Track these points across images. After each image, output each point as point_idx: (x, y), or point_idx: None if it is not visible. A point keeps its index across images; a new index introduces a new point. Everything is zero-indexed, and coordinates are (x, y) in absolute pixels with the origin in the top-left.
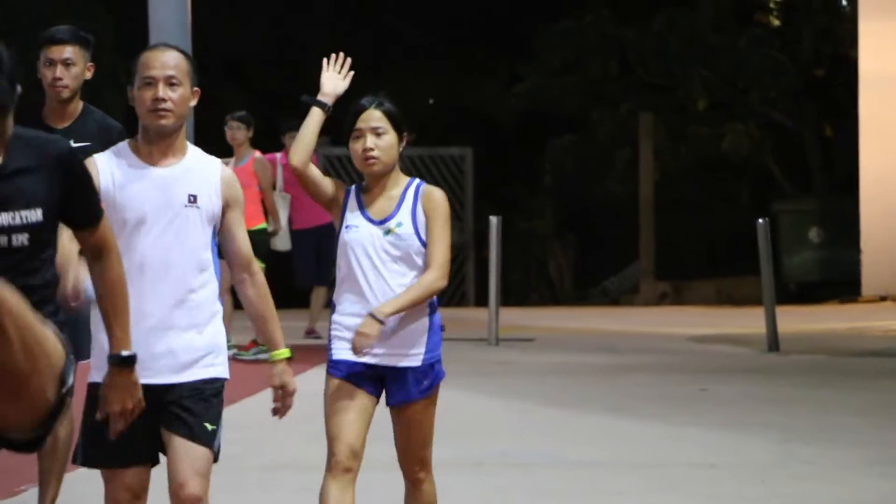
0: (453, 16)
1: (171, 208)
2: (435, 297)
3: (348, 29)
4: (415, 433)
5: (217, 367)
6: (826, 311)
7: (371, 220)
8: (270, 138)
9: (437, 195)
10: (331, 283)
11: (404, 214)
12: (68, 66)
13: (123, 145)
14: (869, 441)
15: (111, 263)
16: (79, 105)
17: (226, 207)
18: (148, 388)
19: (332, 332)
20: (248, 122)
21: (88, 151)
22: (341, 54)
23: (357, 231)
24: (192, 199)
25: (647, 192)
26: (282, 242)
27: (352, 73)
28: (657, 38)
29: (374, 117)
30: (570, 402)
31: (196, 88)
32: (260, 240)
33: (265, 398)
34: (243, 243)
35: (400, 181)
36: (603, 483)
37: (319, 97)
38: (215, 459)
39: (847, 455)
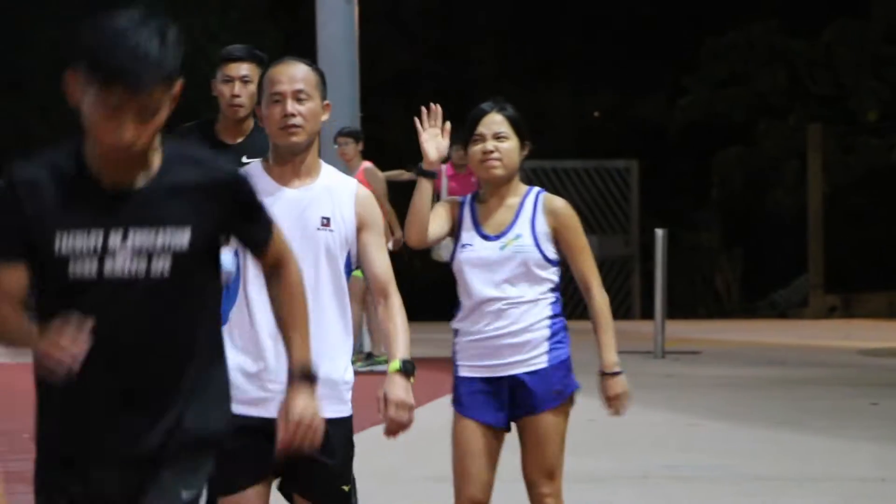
0: (618, 30)
1: (305, 232)
2: (557, 302)
3: (514, 44)
4: (543, 448)
5: (348, 404)
6: None
7: (486, 237)
8: None
9: (562, 206)
10: None
11: (523, 225)
12: (245, 83)
13: (256, 166)
14: None
15: (290, 271)
16: (251, 122)
17: (360, 229)
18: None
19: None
20: (357, 137)
21: None
22: (435, 107)
23: (472, 250)
24: (326, 222)
25: (816, 204)
26: (448, 252)
27: (448, 124)
28: (826, 48)
29: (495, 121)
30: (736, 415)
31: (327, 102)
32: None
33: (429, 409)
34: (381, 267)
35: (519, 190)
36: (771, 497)
37: (425, 167)
38: None
39: None
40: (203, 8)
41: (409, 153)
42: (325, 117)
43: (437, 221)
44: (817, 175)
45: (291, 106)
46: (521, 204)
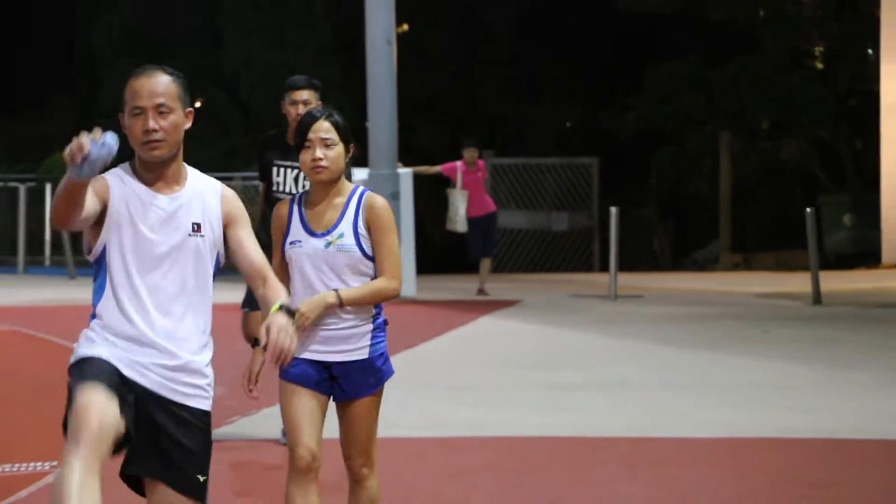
0: (586, 60)
1: (179, 238)
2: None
3: (510, 71)
4: (361, 428)
5: (209, 399)
6: (856, 275)
7: (313, 234)
8: (452, 151)
9: (379, 203)
10: (494, 255)
11: (346, 226)
12: (306, 104)
13: (126, 168)
14: (891, 367)
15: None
16: None
17: (228, 225)
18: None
19: None
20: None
21: None
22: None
23: (300, 247)
24: (197, 228)
25: (725, 190)
26: (461, 226)
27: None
28: (733, 76)
29: (323, 128)
30: (672, 341)
31: (190, 109)
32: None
33: (447, 338)
34: (256, 255)
35: (344, 190)
36: (695, 399)
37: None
38: None
39: (871, 377)
40: (284, 49)
41: (433, 155)
42: (187, 125)
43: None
44: (726, 168)
45: (153, 121)
46: (346, 204)
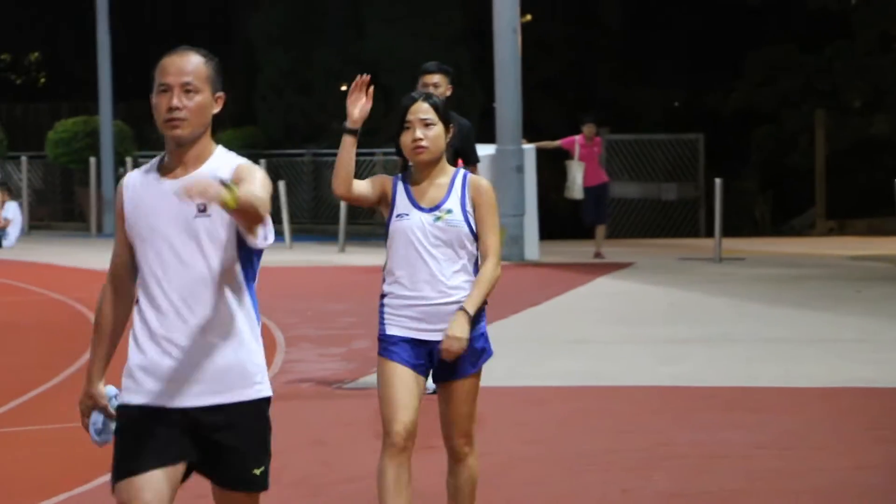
0: (692, 45)
1: (184, 222)
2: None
3: (622, 57)
4: (461, 408)
5: (259, 385)
6: None
7: (421, 209)
8: (571, 129)
9: (485, 186)
10: (608, 222)
11: (454, 202)
12: (436, 87)
13: (157, 159)
14: None
15: None
16: None
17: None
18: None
19: (385, 314)
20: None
21: (451, 142)
22: (362, 78)
23: (408, 219)
24: (202, 208)
25: (820, 162)
26: (577, 193)
27: (371, 89)
28: (828, 60)
29: (422, 109)
30: (770, 299)
31: (220, 94)
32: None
33: (567, 297)
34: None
35: (447, 170)
36: (790, 352)
37: (349, 125)
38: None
39: None
40: (420, 37)
41: (554, 132)
42: (216, 109)
43: (368, 188)
44: (821, 143)
45: (177, 99)
46: (451, 183)
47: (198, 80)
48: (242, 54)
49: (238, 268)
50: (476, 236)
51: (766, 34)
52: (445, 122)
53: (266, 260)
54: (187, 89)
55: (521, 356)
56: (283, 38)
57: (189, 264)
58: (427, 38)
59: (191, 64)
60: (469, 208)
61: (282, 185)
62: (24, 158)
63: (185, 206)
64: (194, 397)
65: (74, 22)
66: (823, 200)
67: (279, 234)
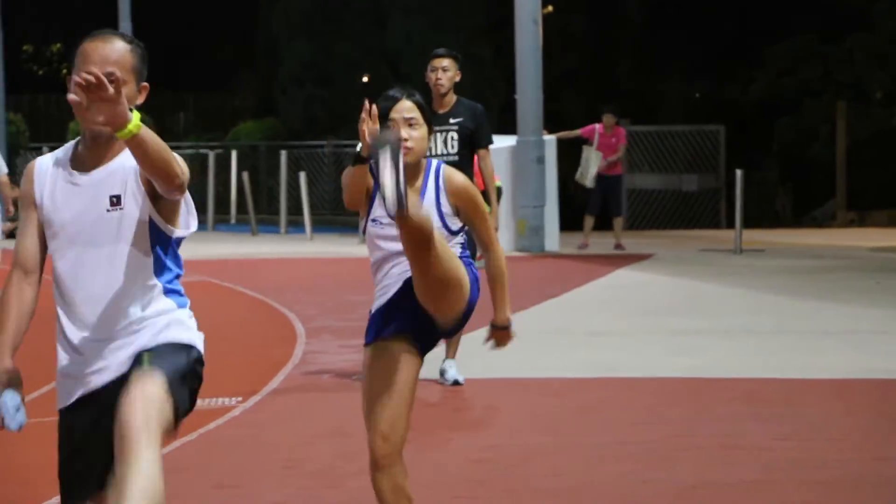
0: (713, 37)
1: (96, 215)
2: (464, 250)
3: (643, 51)
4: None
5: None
6: None
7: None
8: (592, 120)
9: (461, 184)
10: (624, 214)
11: (428, 201)
12: (445, 71)
13: (69, 147)
14: None
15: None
16: (454, 97)
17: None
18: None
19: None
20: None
21: (461, 125)
22: (371, 106)
23: (381, 227)
24: (115, 201)
25: (841, 154)
26: (589, 181)
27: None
28: (848, 51)
29: (406, 108)
30: (789, 291)
31: (144, 84)
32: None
33: (587, 288)
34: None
35: (420, 169)
36: (810, 343)
37: (363, 153)
38: (182, 413)
39: None
40: (441, 28)
41: (575, 124)
42: (139, 101)
43: (363, 186)
44: (842, 134)
45: None
46: (425, 182)
47: (122, 70)
48: (263, 46)
49: (152, 261)
50: (454, 234)
51: (787, 25)
52: (429, 122)
53: (286, 251)
54: (111, 80)
55: (540, 347)
56: (305, 30)
57: (104, 259)
58: (448, 29)
59: (116, 52)
60: (446, 209)
61: (302, 176)
62: (45, 149)
63: (98, 201)
64: (108, 376)
65: (96, 13)
66: (844, 192)
67: (300, 226)
